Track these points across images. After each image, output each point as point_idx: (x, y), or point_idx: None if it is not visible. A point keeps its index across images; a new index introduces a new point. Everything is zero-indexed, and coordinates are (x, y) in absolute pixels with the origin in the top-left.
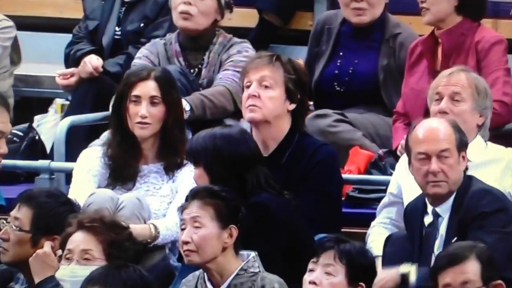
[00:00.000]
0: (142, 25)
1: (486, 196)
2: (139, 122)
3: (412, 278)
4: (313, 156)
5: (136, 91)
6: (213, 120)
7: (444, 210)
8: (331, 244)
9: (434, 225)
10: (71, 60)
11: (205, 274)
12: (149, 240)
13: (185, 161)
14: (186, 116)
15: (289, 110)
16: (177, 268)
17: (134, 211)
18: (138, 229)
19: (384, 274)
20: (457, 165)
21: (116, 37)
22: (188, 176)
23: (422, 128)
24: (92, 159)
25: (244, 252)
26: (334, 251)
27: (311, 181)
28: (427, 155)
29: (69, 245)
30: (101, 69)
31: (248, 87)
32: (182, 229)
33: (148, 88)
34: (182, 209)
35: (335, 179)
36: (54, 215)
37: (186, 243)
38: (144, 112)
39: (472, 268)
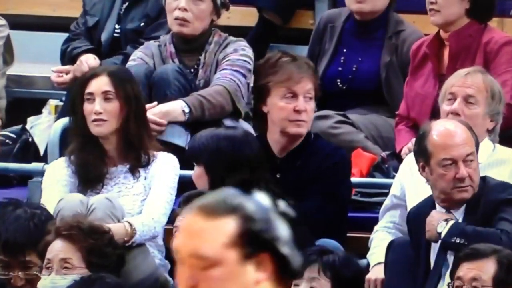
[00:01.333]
0: (142, 24)
1: (507, 189)
2: (94, 120)
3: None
4: (327, 159)
5: (89, 89)
6: (212, 121)
7: (459, 211)
8: (314, 257)
9: None
10: (67, 57)
11: None
12: (126, 239)
13: (152, 157)
14: (185, 118)
15: None
16: (166, 267)
17: (106, 211)
18: (112, 229)
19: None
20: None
21: (115, 34)
22: (160, 170)
23: (441, 133)
24: (59, 170)
25: None
26: (318, 265)
27: (322, 183)
28: (453, 160)
29: (48, 254)
30: None
31: (292, 97)
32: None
33: (101, 83)
34: (174, 215)
35: (346, 183)
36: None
37: None
38: (98, 108)
39: (486, 267)
